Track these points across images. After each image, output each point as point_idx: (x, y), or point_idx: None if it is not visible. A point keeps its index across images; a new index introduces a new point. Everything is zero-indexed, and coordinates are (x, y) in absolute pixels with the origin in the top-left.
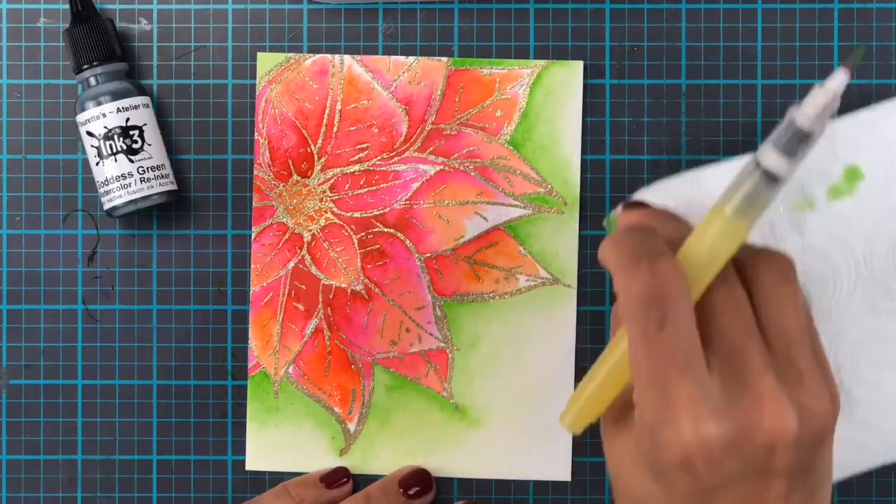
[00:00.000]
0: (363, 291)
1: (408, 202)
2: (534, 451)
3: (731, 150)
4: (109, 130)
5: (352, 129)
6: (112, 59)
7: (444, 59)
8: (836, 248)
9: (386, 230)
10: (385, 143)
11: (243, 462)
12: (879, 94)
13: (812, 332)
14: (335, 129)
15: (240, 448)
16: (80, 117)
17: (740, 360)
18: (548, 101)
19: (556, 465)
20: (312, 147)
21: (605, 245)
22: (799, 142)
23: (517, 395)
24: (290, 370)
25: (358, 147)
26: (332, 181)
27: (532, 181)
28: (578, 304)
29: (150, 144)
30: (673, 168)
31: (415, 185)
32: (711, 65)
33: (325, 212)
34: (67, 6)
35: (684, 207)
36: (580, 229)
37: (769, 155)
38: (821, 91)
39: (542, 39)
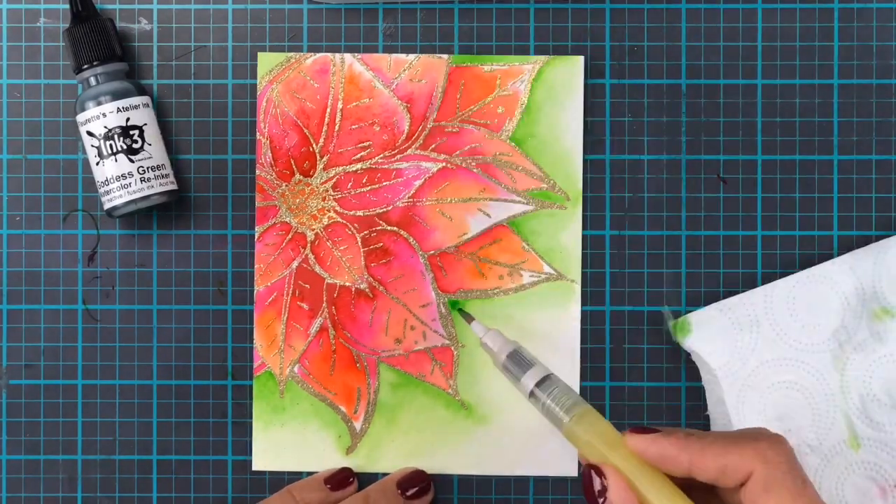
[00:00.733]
0: (367, 290)
1: (410, 200)
2: (540, 447)
3: (731, 150)
4: (109, 130)
5: (353, 127)
6: (112, 59)
7: (445, 56)
8: None
9: (389, 228)
10: (387, 141)
11: (244, 462)
12: (879, 94)
13: None
14: (337, 127)
15: (240, 448)
16: (81, 117)
17: None
18: (549, 97)
19: (562, 461)
20: (314, 146)
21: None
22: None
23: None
24: (296, 369)
25: (360, 145)
26: (334, 180)
27: (534, 177)
28: (581, 300)
29: (150, 144)
30: (673, 168)
31: (417, 183)
32: (711, 65)
33: (328, 211)
34: (67, 6)
35: (753, 323)
36: (581, 225)
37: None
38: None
39: (543, 39)
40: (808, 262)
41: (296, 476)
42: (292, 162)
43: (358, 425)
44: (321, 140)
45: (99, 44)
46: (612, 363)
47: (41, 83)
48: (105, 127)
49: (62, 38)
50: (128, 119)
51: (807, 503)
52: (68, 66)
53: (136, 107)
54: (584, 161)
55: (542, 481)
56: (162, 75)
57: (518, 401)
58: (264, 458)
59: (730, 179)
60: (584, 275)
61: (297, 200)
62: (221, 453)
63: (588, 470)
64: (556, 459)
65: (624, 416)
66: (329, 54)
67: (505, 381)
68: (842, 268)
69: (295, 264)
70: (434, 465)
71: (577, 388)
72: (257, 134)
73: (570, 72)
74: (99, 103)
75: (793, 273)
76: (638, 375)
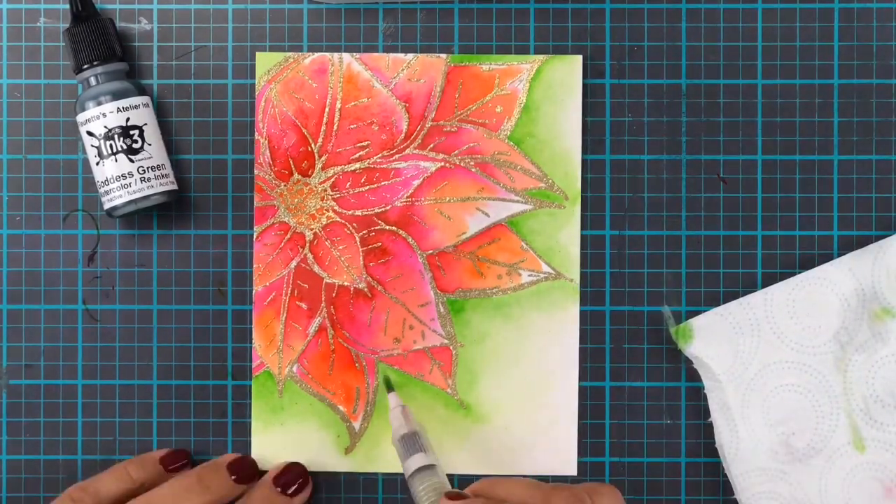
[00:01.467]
0: (366, 289)
1: (409, 199)
2: (540, 446)
3: (731, 150)
4: (109, 130)
5: (352, 127)
6: (112, 58)
7: (444, 55)
8: None
9: (388, 228)
10: (385, 140)
11: None
12: (879, 94)
13: None
14: (335, 127)
15: (240, 448)
16: (81, 117)
17: None
18: (548, 96)
19: (562, 460)
20: (313, 146)
21: None
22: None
23: (522, 390)
24: (294, 369)
25: (358, 145)
26: (333, 179)
27: (533, 176)
28: (580, 300)
29: (150, 144)
30: (673, 168)
31: (416, 183)
32: (711, 65)
33: (327, 210)
34: (67, 6)
35: (754, 327)
36: (581, 225)
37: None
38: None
39: (543, 39)
40: (808, 263)
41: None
42: (291, 162)
43: (357, 425)
44: (319, 140)
45: (99, 44)
46: (612, 363)
47: (41, 83)
48: (105, 127)
49: (62, 38)
50: (128, 119)
51: None
52: (68, 66)
53: (136, 107)
54: (584, 161)
55: (542, 478)
56: (162, 75)
57: (517, 400)
58: (263, 458)
59: (730, 179)
60: (584, 275)
61: (296, 200)
62: (221, 453)
63: None
64: (556, 458)
65: (624, 416)
66: (327, 54)
67: (505, 381)
68: (841, 269)
69: (293, 264)
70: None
71: (576, 388)
72: (256, 134)
73: (568, 71)
74: (99, 103)
75: (793, 273)
76: (638, 375)
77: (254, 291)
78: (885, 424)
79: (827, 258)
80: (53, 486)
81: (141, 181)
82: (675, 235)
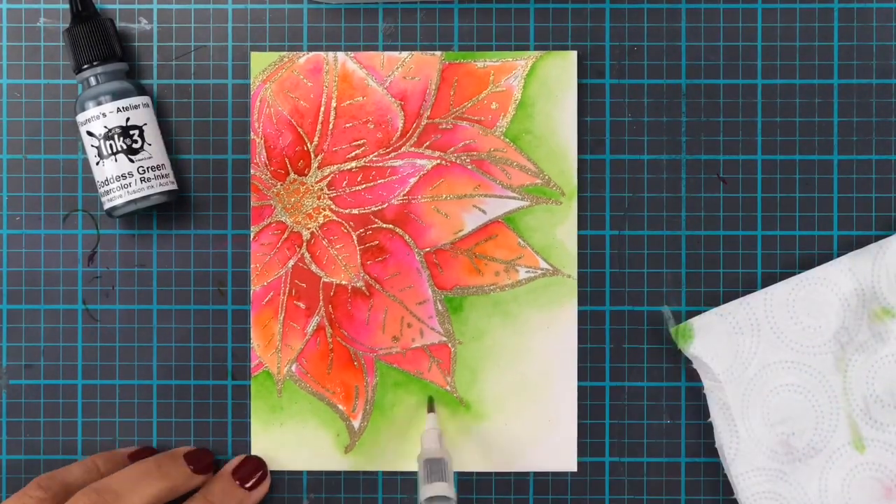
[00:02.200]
0: (364, 288)
1: (406, 197)
2: (539, 443)
3: (731, 150)
4: (109, 130)
5: (347, 125)
6: (112, 58)
7: (438, 53)
8: None
9: (385, 226)
10: (381, 138)
11: None
12: (879, 94)
13: None
14: (331, 126)
15: (240, 448)
16: (80, 117)
17: None
18: (543, 92)
19: (561, 456)
20: (309, 145)
21: None
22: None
23: (521, 387)
24: (293, 369)
25: (354, 144)
26: (329, 178)
27: (529, 172)
28: (578, 299)
29: (150, 144)
30: (673, 168)
31: (412, 180)
32: (711, 65)
33: (324, 209)
34: (67, 6)
35: (754, 327)
36: (579, 227)
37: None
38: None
39: (543, 39)
40: (808, 262)
41: (296, 476)
42: (287, 161)
43: (356, 423)
44: (315, 139)
45: (99, 44)
46: (612, 363)
47: (41, 83)
48: (105, 127)
49: (62, 38)
50: (128, 119)
51: None
52: (68, 66)
53: (135, 107)
54: (584, 161)
55: (541, 477)
56: (162, 75)
57: (516, 396)
58: (263, 457)
59: (730, 179)
60: (584, 275)
61: (293, 199)
62: (221, 453)
63: None
64: (556, 455)
65: (624, 416)
66: (322, 53)
67: (503, 378)
68: (840, 269)
69: (291, 263)
70: None
71: (575, 383)
72: (251, 134)
73: (563, 67)
74: (99, 103)
75: (793, 273)
76: (638, 375)
77: (251, 291)
78: (885, 424)
79: (827, 258)
80: None
81: (141, 181)
82: (675, 235)
